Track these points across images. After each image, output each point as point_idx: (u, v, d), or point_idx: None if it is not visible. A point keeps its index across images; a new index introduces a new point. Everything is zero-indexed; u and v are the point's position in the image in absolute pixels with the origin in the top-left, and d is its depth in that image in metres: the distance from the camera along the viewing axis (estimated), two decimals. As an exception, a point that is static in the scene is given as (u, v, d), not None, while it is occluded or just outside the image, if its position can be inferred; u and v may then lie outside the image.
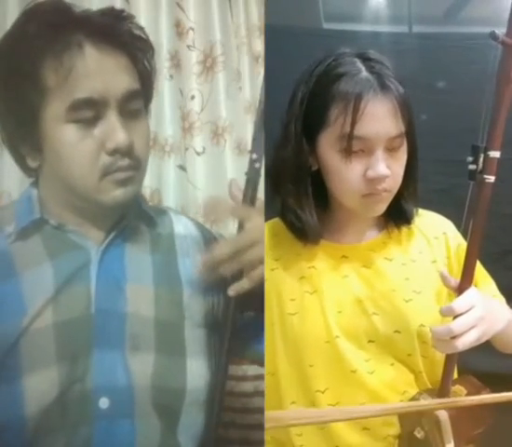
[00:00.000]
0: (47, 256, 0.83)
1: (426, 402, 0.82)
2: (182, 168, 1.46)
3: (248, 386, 1.32)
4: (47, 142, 0.80)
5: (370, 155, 0.81)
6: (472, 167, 0.80)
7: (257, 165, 0.83)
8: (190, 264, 0.91)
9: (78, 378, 0.79)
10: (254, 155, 0.83)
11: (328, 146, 0.84)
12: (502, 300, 0.97)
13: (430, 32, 1.77)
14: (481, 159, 0.79)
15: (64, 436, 0.78)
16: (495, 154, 0.79)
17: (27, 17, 0.80)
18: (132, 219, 0.89)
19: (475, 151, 0.79)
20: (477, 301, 0.79)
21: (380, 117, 0.80)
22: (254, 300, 0.89)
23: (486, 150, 0.79)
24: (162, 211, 0.97)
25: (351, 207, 0.87)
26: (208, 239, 0.96)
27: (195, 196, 1.44)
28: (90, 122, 0.78)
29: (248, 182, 0.83)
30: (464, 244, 0.89)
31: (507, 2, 0.79)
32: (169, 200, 1.45)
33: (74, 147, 0.79)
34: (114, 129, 0.78)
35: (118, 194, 0.81)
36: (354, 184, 0.83)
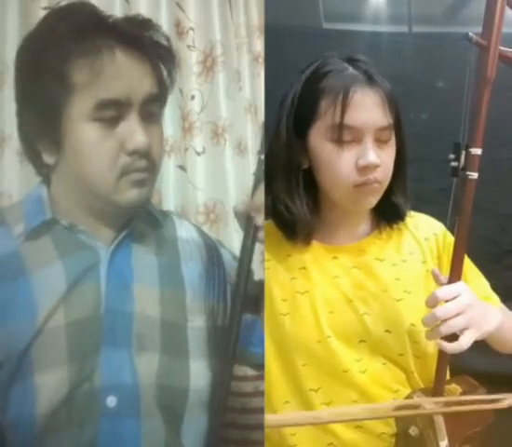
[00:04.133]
0: (58, 256, 0.83)
1: (427, 404, 0.82)
2: (182, 168, 1.46)
3: (248, 386, 1.32)
4: (69, 138, 0.81)
5: (360, 144, 0.84)
6: (454, 164, 0.82)
7: (263, 166, 0.84)
8: (193, 268, 0.92)
9: (87, 377, 0.80)
10: (262, 157, 0.83)
11: (319, 138, 0.86)
12: (496, 299, 0.98)
13: (430, 32, 1.77)
14: (463, 156, 0.82)
15: (71, 434, 0.79)
16: (477, 151, 0.82)
17: (58, 16, 0.82)
18: (140, 220, 0.90)
19: (456, 148, 0.82)
20: (463, 290, 0.80)
21: (368, 108, 0.84)
22: (254, 302, 0.89)
23: (467, 147, 0.82)
24: (166, 215, 0.98)
25: (342, 200, 0.88)
26: (209, 245, 0.97)
27: (195, 196, 1.44)
28: (113, 122, 0.80)
29: (256, 182, 0.84)
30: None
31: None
32: (169, 200, 1.44)
33: (96, 145, 0.80)
34: (134, 131, 0.80)
35: (133, 194, 0.83)
36: (345, 174, 0.84)
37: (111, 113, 0.80)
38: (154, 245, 0.91)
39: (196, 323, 0.89)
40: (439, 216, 1.01)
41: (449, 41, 1.68)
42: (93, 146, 0.80)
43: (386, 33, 1.70)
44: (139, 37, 0.83)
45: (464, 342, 0.79)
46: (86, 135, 0.80)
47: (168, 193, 1.44)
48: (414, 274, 0.92)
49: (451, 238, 0.95)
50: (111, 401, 0.80)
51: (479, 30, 0.80)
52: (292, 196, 0.89)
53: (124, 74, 0.80)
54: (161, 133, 0.87)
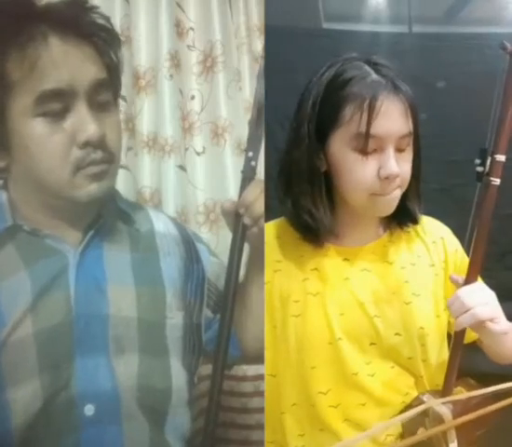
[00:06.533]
0: (23, 264, 0.80)
1: (436, 406, 0.82)
2: (182, 168, 1.46)
3: (248, 386, 1.32)
4: (16, 138, 0.76)
5: (381, 153, 0.82)
6: (479, 169, 0.83)
7: (253, 163, 0.83)
8: (171, 263, 0.90)
9: (62, 386, 0.78)
10: (250, 154, 0.83)
11: (341, 145, 0.84)
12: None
13: (430, 32, 1.76)
14: (488, 162, 0.82)
15: (50, 445, 0.77)
16: (501, 157, 0.82)
17: None
18: (108, 217, 0.86)
19: (483, 154, 0.82)
20: (483, 287, 0.84)
21: (393, 117, 0.82)
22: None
23: (493, 153, 0.82)
24: (139, 208, 0.95)
25: (360, 206, 0.87)
26: (186, 239, 0.95)
27: (195, 196, 1.44)
28: (59, 115, 0.76)
29: (244, 180, 0.83)
30: (460, 249, 0.94)
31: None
32: (169, 200, 1.45)
33: (44, 142, 0.76)
34: (84, 121, 0.76)
35: (92, 189, 0.79)
36: (366, 183, 0.83)
37: (55, 105, 0.75)
38: (127, 241, 0.88)
39: (175, 320, 0.87)
40: (440, 216, 1.01)
41: (449, 41, 1.68)
42: (42, 143, 0.76)
43: (386, 34, 1.70)
44: (74, 20, 0.77)
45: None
46: (32, 132, 0.75)
47: (168, 193, 1.44)
48: (423, 277, 0.92)
49: (457, 242, 0.96)
50: (88, 410, 0.78)
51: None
52: (316, 202, 0.87)
53: (62, 61, 0.75)
54: (117, 122, 0.82)
